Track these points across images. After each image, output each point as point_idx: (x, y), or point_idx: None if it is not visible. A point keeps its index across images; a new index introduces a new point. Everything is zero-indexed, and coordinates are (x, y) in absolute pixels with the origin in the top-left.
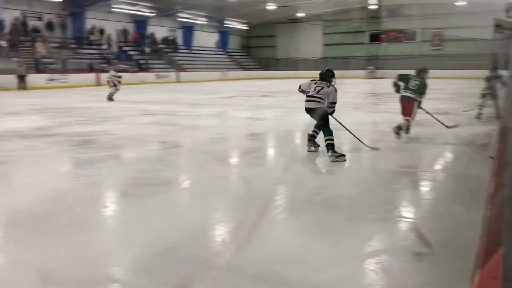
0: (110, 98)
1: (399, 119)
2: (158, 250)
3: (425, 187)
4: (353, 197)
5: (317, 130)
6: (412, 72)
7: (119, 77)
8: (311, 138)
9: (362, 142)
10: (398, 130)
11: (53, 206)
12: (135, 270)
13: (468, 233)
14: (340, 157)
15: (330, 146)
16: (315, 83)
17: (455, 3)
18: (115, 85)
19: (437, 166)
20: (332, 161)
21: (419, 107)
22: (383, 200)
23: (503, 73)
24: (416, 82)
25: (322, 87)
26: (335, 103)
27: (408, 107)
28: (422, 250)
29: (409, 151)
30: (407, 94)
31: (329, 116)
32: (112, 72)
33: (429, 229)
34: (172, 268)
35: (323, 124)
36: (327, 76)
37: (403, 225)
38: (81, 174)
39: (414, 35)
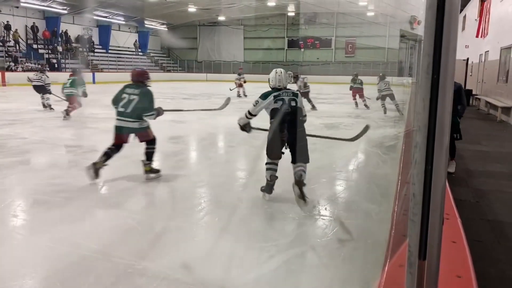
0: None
1: (317, 122)
2: (75, 259)
3: (340, 186)
4: (274, 198)
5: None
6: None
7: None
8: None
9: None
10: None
11: None
12: (51, 282)
13: (379, 227)
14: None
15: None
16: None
17: (367, 14)
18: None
19: (351, 166)
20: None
21: None
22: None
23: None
24: None
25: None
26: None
27: None
28: (339, 245)
29: (325, 153)
30: None
31: None
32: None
33: (346, 225)
34: (91, 277)
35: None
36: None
37: (321, 223)
38: None
39: (329, 42)
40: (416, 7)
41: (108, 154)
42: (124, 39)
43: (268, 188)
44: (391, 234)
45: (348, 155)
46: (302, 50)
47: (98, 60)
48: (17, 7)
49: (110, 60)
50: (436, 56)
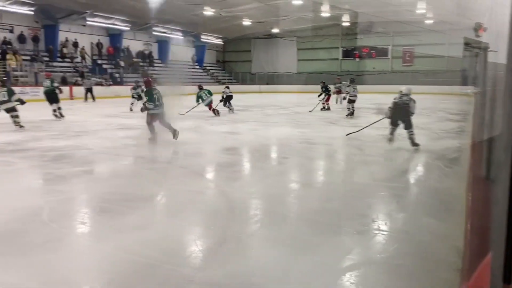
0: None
1: (374, 133)
2: (137, 267)
3: (399, 200)
4: (330, 211)
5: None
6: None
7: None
8: None
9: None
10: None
11: (28, 223)
12: (115, 287)
13: (443, 245)
14: None
15: None
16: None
17: (425, 22)
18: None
19: (411, 180)
20: None
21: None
22: (359, 214)
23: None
24: None
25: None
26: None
27: None
28: (400, 262)
29: (383, 165)
30: None
31: None
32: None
33: (406, 242)
34: (152, 285)
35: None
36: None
37: (381, 238)
38: (56, 190)
39: (386, 52)
40: (481, 13)
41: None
42: (181, 53)
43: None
44: (465, 254)
45: (408, 168)
46: (358, 60)
47: (157, 74)
48: (84, 25)
49: (169, 74)
50: None
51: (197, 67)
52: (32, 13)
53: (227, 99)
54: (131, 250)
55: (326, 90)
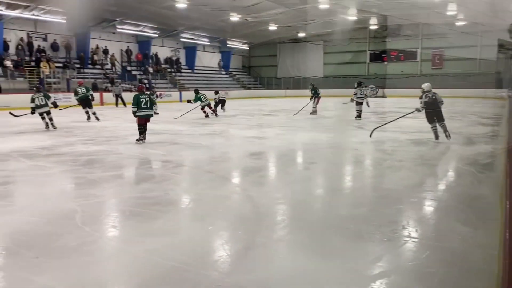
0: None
1: (403, 137)
2: (167, 270)
3: (430, 206)
4: (359, 217)
5: None
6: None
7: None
8: None
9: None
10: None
11: (62, 227)
12: None
13: (477, 253)
14: None
15: None
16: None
17: (456, 23)
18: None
19: (441, 185)
20: None
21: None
22: (389, 220)
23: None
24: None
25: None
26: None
27: None
28: (432, 270)
29: (413, 171)
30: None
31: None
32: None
33: (437, 249)
34: None
35: None
36: None
37: (411, 245)
38: (89, 194)
39: (415, 55)
40: None
41: (141, 132)
42: (208, 59)
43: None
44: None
45: (438, 174)
46: (385, 63)
47: (184, 79)
48: (114, 33)
49: (195, 80)
50: None
51: (223, 72)
52: (64, 21)
53: (221, 103)
54: (160, 254)
55: (315, 93)
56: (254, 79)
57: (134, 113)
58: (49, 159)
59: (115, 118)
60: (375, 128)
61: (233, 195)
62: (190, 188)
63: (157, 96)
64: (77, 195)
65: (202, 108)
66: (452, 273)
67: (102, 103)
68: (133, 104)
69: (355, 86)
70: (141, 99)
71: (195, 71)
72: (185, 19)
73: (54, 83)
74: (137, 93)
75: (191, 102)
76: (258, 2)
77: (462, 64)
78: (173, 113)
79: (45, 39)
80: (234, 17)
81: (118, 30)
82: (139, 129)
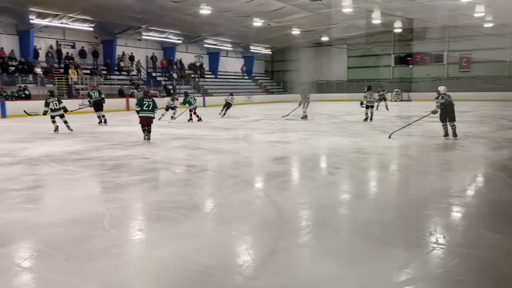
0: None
1: (429, 142)
2: (193, 274)
3: (458, 212)
4: (385, 223)
5: None
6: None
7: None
8: None
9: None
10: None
11: (91, 229)
12: None
13: (508, 261)
14: None
15: None
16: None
17: (484, 25)
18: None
19: (470, 191)
20: None
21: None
22: (415, 226)
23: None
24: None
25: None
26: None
27: None
28: (461, 277)
29: (440, 176)
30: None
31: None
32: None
33: (466, 256)
34: None
35: None
36: None
37: (439, 252)
38: (116, 198)
39: (441, 58)
40: None
41: (144, 132)
42: (231, 64)
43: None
44: None
45: (466, 179)
46: (411, 66)
47: (208, 85)
48: (139, 40)
49: (218, 85)
50: None
51: (246, 77)
52: (92, 29)
53: (226, 106)
54: (186, 258)
55: (305, 98)
56: (277, 83)
57: (137, 112)
58: (78, 163)
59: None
60: (393, 131)
61: (257, 200)
62: (214, 192)
63: (173, 100)
64: (105, 198)
65: (191, 111)
66: (482, 281)
67: (128, 108)
68: (136, 104)
69: (365, 90)
70: (144, 102)
71: (218, 76)
72: (209, 25)
73: (82, 89)
74: (143, 96)
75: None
76: (281, 7)
77: (490, 66)
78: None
79: (73, 47)
80: (257, 22)
81: (143, 37)
82: (142, 128)
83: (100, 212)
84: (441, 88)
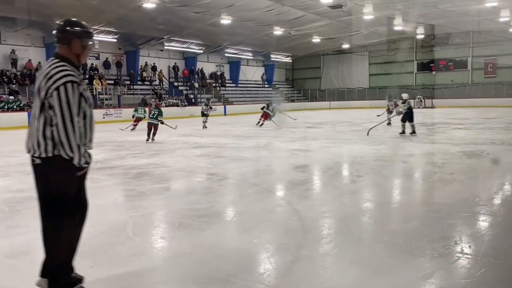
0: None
1: (454, 149)
2: (215, 282)
3: (485, 221)
4: (409, 232)
5: None
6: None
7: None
8: None
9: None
10: None
11: (114, 237)
12: None
13: None
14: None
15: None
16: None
17: (510, 30)
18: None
19: (497, 200)
20: None
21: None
22: (441, 235)
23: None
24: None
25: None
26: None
27: None
28: None
29: (465, 184)
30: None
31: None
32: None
33: (493, 266)
34: None
35: None
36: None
37: (465, 262)
38: (139, 206)
39: (465, 63)
40: None
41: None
42: (251, 73)
43: None
44: None
45: (493, 187)
46: (434, 73)
47: (229, 93)
48: (162, 50)
49: (239, 93)
50: None
51: (267, 85)
52: (116, 40)
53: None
54: (208, 265)
55: (268, 110)
56: (297, 91)
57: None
58: (102, 172)
59: (163, 132)
60: (370, 128)
61: (278, 208)
62: (236, 200)
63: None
64: (128, 206)
65: (137, 121)
66: None
67: None
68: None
69: (386, 98)
70: (152, 111)
71: (239, 85)
72: (230, 35)
73: (106, 99)
74: (155, 107)
75: None
76: (302, 15)
77: None
78: (218, 127)
79: (97, 58)
80: (278, 31)
81: (165, 47)
82: (147, 132)
83: (124, 220)
84: (405, 95)
